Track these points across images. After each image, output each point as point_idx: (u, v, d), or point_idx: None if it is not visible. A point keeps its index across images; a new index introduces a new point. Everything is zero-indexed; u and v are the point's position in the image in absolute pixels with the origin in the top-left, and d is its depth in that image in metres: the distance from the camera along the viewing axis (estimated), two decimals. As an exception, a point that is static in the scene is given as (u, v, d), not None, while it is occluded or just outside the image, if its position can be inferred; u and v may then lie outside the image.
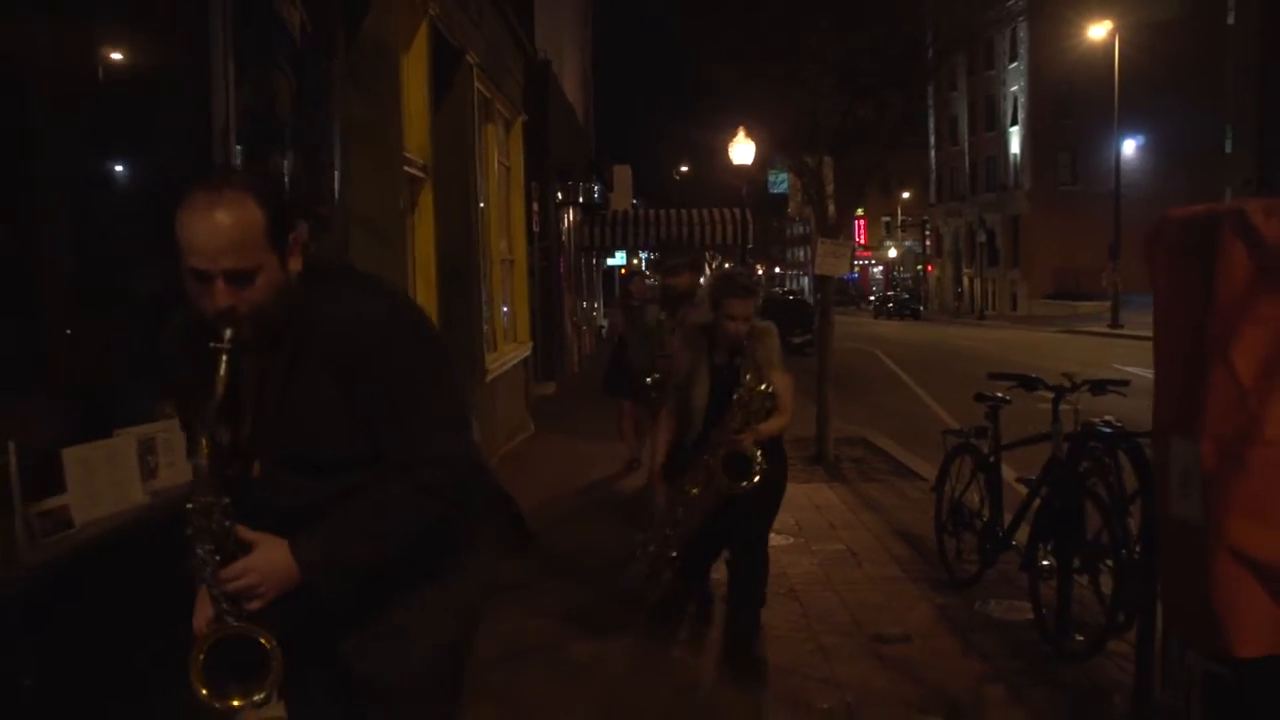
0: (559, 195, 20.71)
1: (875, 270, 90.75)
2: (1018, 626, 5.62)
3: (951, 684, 4.94)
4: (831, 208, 11.33)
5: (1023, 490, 5.92)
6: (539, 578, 6.59)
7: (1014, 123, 60.76)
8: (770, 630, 5.65)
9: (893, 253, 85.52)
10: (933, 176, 73.11)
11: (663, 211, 28.88)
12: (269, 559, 2.23)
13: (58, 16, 4.08)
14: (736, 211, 26.59)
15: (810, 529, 7.95)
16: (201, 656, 2.21)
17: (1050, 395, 5.60)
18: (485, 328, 11.50)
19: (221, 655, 2.22)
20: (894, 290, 71.54)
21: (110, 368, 4.39)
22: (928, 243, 74.25)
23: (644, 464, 8.84)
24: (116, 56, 4.55)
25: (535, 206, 17.04)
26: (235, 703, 2.22)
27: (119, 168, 4.71)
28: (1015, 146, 60.90)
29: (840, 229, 11.23)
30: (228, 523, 2.21)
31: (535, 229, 17.00)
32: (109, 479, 3.87)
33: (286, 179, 5.69)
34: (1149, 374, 3.62)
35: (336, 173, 6.28)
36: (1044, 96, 56.39)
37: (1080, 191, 55.10)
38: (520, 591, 6.20)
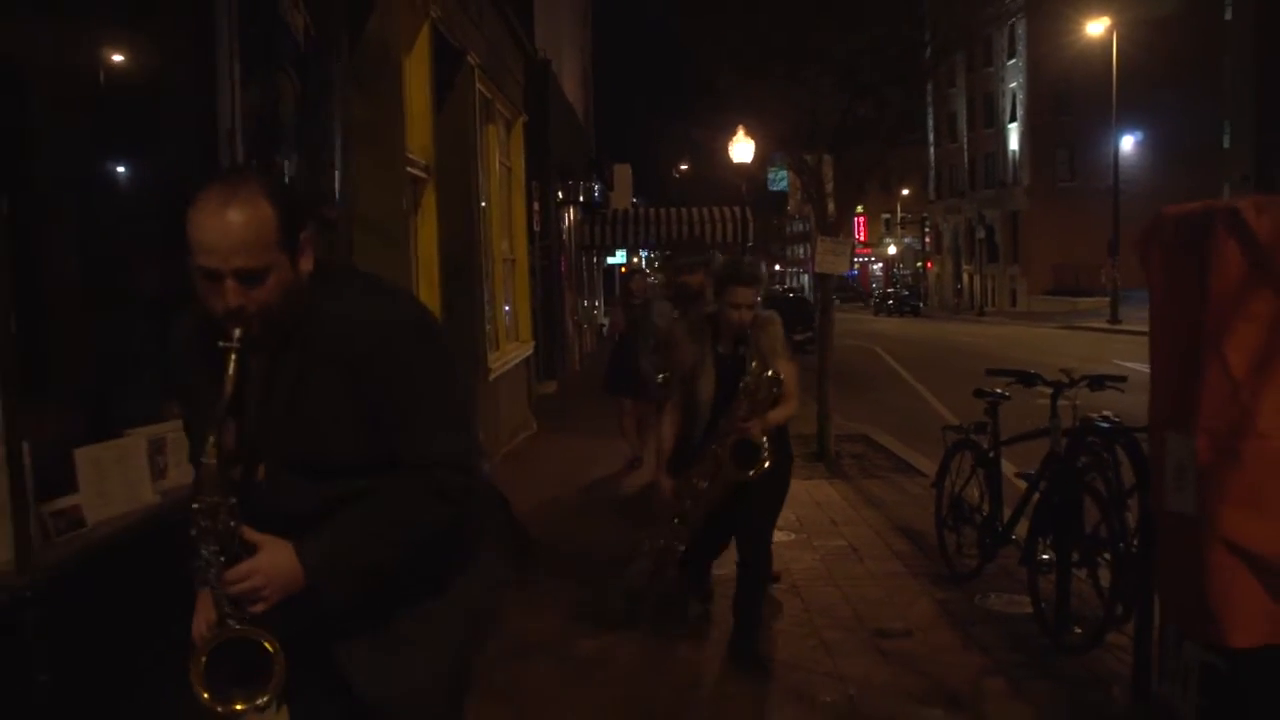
0: (560, 194, 20.75)
1: (875, 267, 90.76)
2: (1018, 620, 5.67)
3: (952, 677, 4.99)
4: (831, 206, 11.36)
5: (1022, 485, 5.97)
6: (542, 575, 6.63)
7: (1013, 119, 60.78)
8: (773, 625, 5.71)
9: (892, 249, 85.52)
10: (932, 173, 73.11)
11: (663, 210, 28.91)
12: (274, 561, 2.20)
13: (64, 19, 4.12)
14: (737, 209, 26.63)
15: (812, 525, 8.00)
16: (204, 659, 2.18)
17: (1049, 391, 5.65)
18: (487, 327, 11.55)
19: (223, 659, 2.18)
20: (894, 287, 71.50)
21: (119, 368, 4.44)
22: (927, 239, 74.26)
23: (646, 462, 8.88)
24: (122, 60, 4.59)
25: (536, 206, 17.08)
26: (238, 706, 2.19)
27: (126, 169, 4.75)
28: (1014, 143, 60.92)
29: (840, 227, 11.26)
30: (233, 524, 2.18)
31: (536, 228, 17.04)
32: (120, 479, 3.92)
33: (290, 180, 5.72)
34: (1147, 369, 3.67)
35: (340, 174, 6.32)
36: (1042, 93, 56.40)
37: (1079, 188, 55.10)
38: (524, 589, 6.25)
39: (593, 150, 30.41)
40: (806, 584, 6.47)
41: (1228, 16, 47.17)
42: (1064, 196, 56.46)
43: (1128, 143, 47.48)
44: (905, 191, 76.15)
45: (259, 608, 2.19)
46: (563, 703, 4.87)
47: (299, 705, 2.51)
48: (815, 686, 4.93)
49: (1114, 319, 36.00)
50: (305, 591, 2.22)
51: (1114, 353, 22.12)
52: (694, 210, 27.79)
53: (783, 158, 20.86)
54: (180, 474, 4.05)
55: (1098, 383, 5.59)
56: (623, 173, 35.16)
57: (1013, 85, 60.08)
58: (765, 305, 5.51)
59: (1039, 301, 53.92)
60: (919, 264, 77.36)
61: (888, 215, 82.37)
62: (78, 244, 4.32)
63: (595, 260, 33.34)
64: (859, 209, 54.26)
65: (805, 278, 74.61)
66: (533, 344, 15.12)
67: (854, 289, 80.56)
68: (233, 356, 2.16)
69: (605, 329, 17.32)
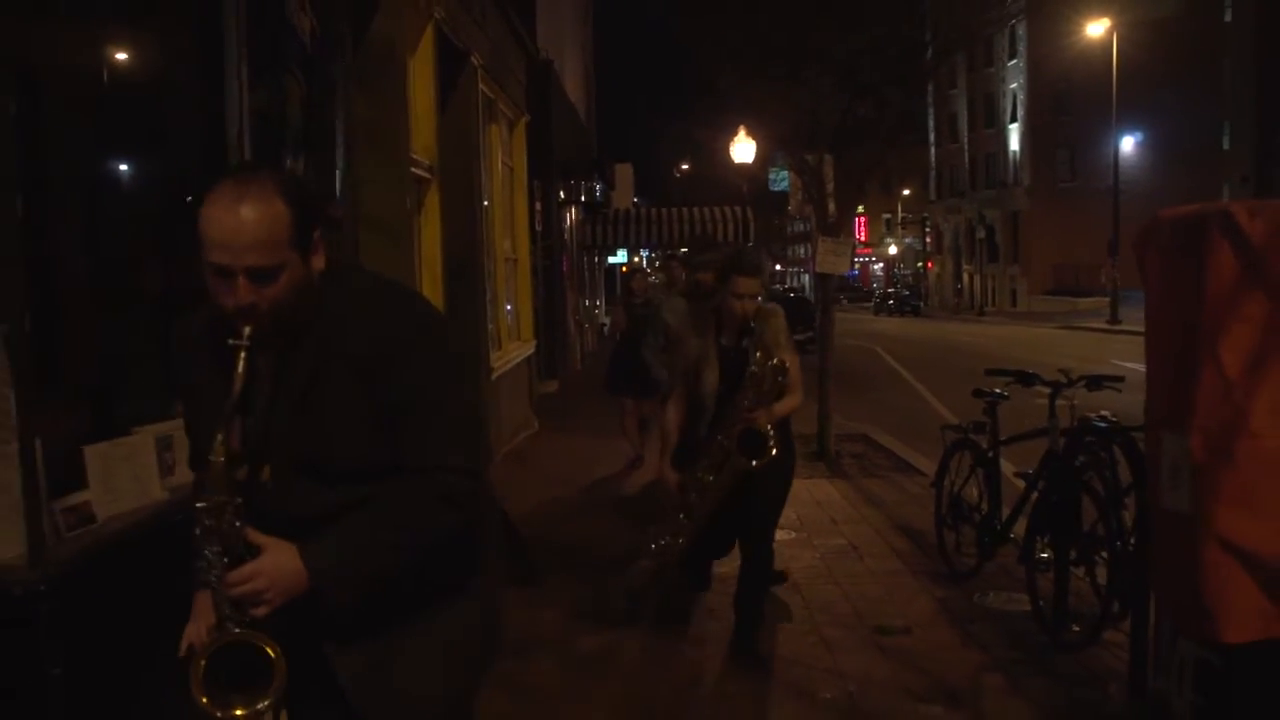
0: (561, 194, 20.79)
1: (876, 267, 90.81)
2: (1016, 617, 5.72)
3: (951, 674, 5.04)
4: (832, 206, 11.40)
5: (1020, 484, 6.02)
6: (548, 573, 6.67)
7: (1013, 120, 60.83)
8: (774, 623, 5.75)
9: (893, 249, 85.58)
10: (933, 173, 73.16)
11: (664, 210, 28.94)
12: (278, 564, 2.14)
13: (73, 22, 4.17)
14: (738, 209, 26.68)
15: (812, 524, 8.05)
16: (203, 663, 2.14)
17: (1047, 391, 5.70)
18: (490, 326, 11.60)
19: (223, 663, 2.13)
20: (894, 287, 71.58)
21: (127, 366, 4.48)
22: (928, 239, 74.30)
23: (648, 461, 8.92)
24: (131, 62, 4.63)
25: (538, 205, 17.13)
26: (238, 711, 2.15)
27: (134, 170, 4.80)
28: (1014, 143, 60.98)
29: (841, 227, 11.31)
30: (238, 524, 2.14)
31: (538, 228, 17.09)
32: (129, 475, 3.96)
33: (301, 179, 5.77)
34: (1145, 369, 3.71)
35: (345, 174, 6.37)
36: (1043, 93, 56.45)
37: (1079, 188, 55.15)
38: (527, 586, 6.28)
39: (594, 150, 30.43)
40: (807, 582, 6.52)
41: (1227, 18, 47.27)
42: (1064, 197, 56.52)
43: (1128, 143, 47.55)
44: (906, 191, 76.21)
45: (261, 611, 2.13)
46: (564, 699, 4.91)
47: (299, 711, 2.45)
48: (815, 683, 4.98)
49: (1114, 319, 36.05)
50: (308, 596, 2.16)
51: (1113, 353, 22.17)
52: (695, 210, 27.81)
53: (784, 158, 20.89)
54: (188, 471, 4.10)
55: (1095, 383, 5.64)
56: (624, 172, 35.19)
57: (1013, 86, 60.14)
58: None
59: (1039, 301, 53.97)
60: (919, 264, 77.39)
61: (888, 215, 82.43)
62: (87, 244, 4.36)
63: (596, 260, 33.37)
64: (860, 209, 54.38)
65: (806, 277, 74.64)
66: (534, 343, 15.18)
67: (861, 289, 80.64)
68: (242, 354, 2.13)
69: (606, 328, 17.35)
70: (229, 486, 2.14)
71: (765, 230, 65.01)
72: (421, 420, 2.24)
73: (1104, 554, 5.16)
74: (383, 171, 7.38)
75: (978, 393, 6.51)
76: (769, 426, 4.98)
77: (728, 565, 5.94)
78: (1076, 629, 5.22)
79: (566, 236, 22.45)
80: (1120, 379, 5.64)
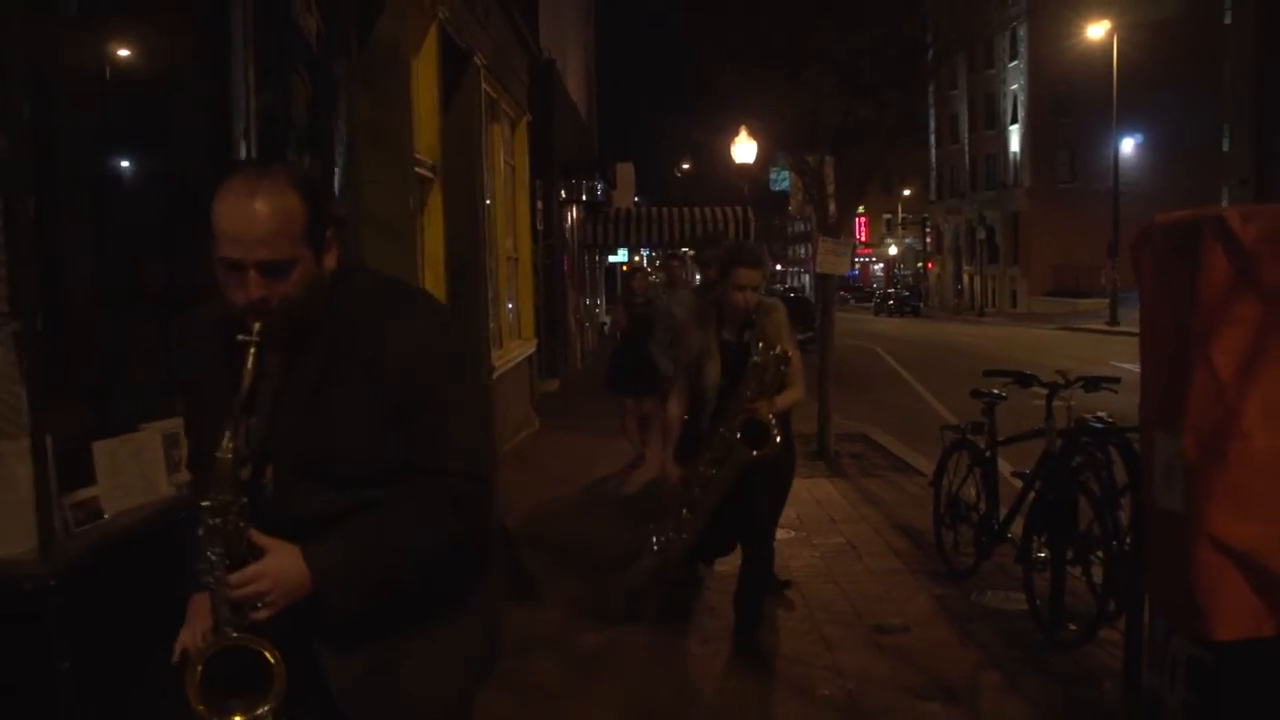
0: (563, 193, 20.83)
1: (876, 267, 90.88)
2: (1013, 616, 5.77)
3: (949, 672, 5.08)
4: (832, 206, 11.45)
5: (1018, 484, 6.07)
6: (547, 571, 6.71)
7: (1014, 121, 60.89)
8: (773, 621, 5.80)
9: (893, 250, 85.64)
10: (933, 174, 73.22)
11: (665, 209, 28.99)
12: (281, 565, 2.08)
13: (81, 24, 4.22)
14: (738, 209, 26.72)
15: (811, 523, 8.10)
16: (200, 668, 2.07)
17: (1044, 392, 5.74)
18: (491, 325, 11.65)
19: (220, 668, 2.07)
20: (894, 287, 71.67)
21: (134, 364, 4.53)
22: (928, 240, 74.38)
23: (649, 460, 8.96)
24: (138, 63, 4.68)
25: (539, 205, 17.17)
26: (236, 718, 2.08)
27: (141, 170, 4.85)
28: (1015, 144, 61.04)
29: (841, 227, 11.35)
30: (242, 525, 2.07)
31: (540, 227, 17.13)
32: (136, 471, 4.01)
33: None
34: (1141, 371, 3.76)
35: (349, 173, 6.42)
36: (1043, 95, 56.54)
37: (1079, 189, 55.20)
38: (526, 601, 6.30)
39: (595, 149, 30.46)
40: (806, 581, 6.56)
41: (1227, 20, 47.32)
42: (1064, 198, 56.57)
43: (1128, 145, 47.58)
44: (906, 192, 76.26)
45: (262, 614, 2.07)
46: (565, 697, 4.94)
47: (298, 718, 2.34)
48: (814, 680, 5.03)
49: (1113, 320, 36.10)
50: (310, 599, 2.10)
51: (1112, 354, 22.21)
52: (696, 210, 27.87)
53: (784, 158, 20.95)
54: (193, 469, 4.14)
55: (1092, 384, 5.69)
56: (625, 171, 35.25)
57: (1014, 87, 60.19)
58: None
59: (1039, 302, 54.02)
60: (920, 264, 77.46)
61: (889, 216, 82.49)
62: (94, 242, 4.41)
63: (597, 259, 33.42)
64: (860, 209, 54.43)
65: (806, 277, 74.71)
66: (535, 342, 15.23)
67: (864, 289, 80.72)
68: (251, 351, 2.08)
69: (607, 327, 17.40)
70: (235, 486, 2.08)
71: (766, 230, 65.10)
72: (431, 423, 2.19)
73: (1100, 553, 5.22)
74: (386, 171, 7.42)
75: (976, 393, 6.55)
76: (771, 416, 4.98)
77: (728, 564, 5.99)
78: (1073, 627, 5.27)
79: (568, 235, 22.50)
80: (1117, 380, 5.68)
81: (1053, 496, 5.47)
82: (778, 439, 4.97)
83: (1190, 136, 51.25)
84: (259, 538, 2.09)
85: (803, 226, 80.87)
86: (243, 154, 4.80)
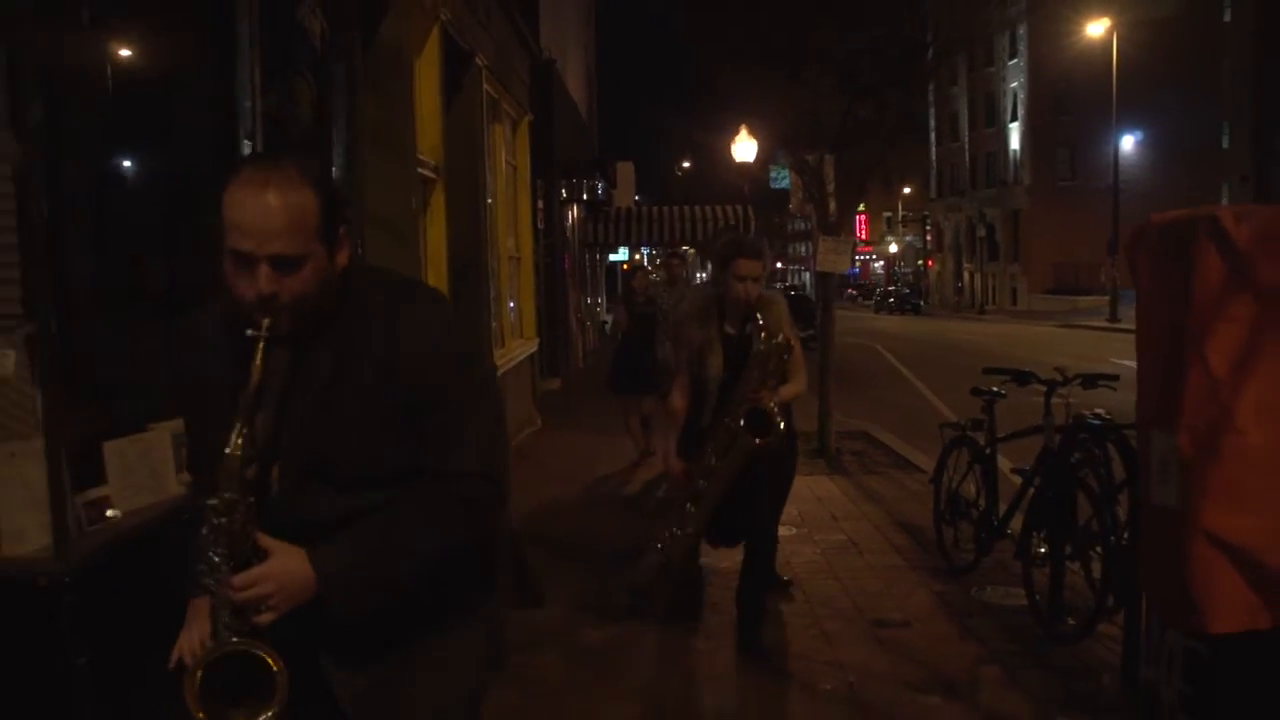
0: (563, 192, 20.87)
1: (876, 265, 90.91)
2: (1012, 611, 5.82)
3: (949, 666, 5.13)
4: (832, 205, 11.49)
5: (1017, 481, 6.13)
6: (551, 568, 6.77)
7: (1014, 119, 60.94)
8: (775, 616, 5.84)
9: (894, 247, 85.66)
10: (933, 172, 73.28)
11: (665, 208, 29.03)
12: (285, 568, 2.02)
13: (90, 27, 4.27)
14: (739, 208, 26.75)
15: (812, 520, 8.15)
16: (200, 674, 2.00)
17: (1043, 389, 5.79)
18: (493, 324, 11.70)
19: (219, 675, 2.00)
20: (894, 285, 71.72)
21: (142, 364, 4.58)
22: (928, 237, 74.43)
23: (658, 452, 9.00)
24: (146, 65, 4.73)
25: (540, 204, 17.22)
26: None
27: (148, 172, 4.90)
28: (1015, 142, 61.08)
29: (841, 226, 11.38)
30: (248, 525, 2.02)
31: (540, 226, 17.17)
32: (145, 471, 4.06)
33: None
34: (1139, 368, 3.81)
35: (353, 174, 6.46)
36: (1043, 93, 56.60)
37: (1079, 187, 55.26)
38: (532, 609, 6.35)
39: (596, 148, 30.51)
40: (807, 577, 6.61)
41: (1227, 18, 47.32)
42: (1064, 195, 56.64)
43: (1128, 142, 47.66)
44: (907, 190, 76.30)
45: (266, 617, 2.01)
46: (569, 692, 4.99)
47: None
48: (816, 675, 5.08)
49: (1113, 318, 36.19)
50: (315, 604, 2.04)
51: (1112, 351, 22.27)
52: (696, 208, 27.91)
53: (785, 156, 20.98)
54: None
55: (1090, 381, 5.73)
56: (625, 170, 35.26)
57: (1014, 85, 60.24)
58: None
59: (1039, 300, 54.06)
60: (920, 262, 77.50)
61: (889, 213, 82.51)
62: (102, 244, 4.46)
63: (598, 257, 33.46)
64: (860, 207, 54.46)
65: (807, 275, 74.78)
66: (537, 341, 15.27)
67: (869, 286, 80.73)
68: (260, 346, 2.01)
69: (608, 326, 17.42)
70: (242, 485, 2.02)
71: (766, 228, 65.12)
72: (444, 424, 2.14)
73: (1098, 549, 5.26)
74: (389, 171, 7.46)
75: (975, 391, 6.60)
76: (774, 405, 4.99)
77: (729, 561, 6.04)
78: (1072, 622, 5.32)
79: (569, 234, 22.54)
80: (1115, 377, 5.73)
81: (1052, 493, 5.52)
82: (781, 425, 4.98)
83: (1190, 134, 51.34)
84: (264, 540, 2.04)
85: (803, 224, 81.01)
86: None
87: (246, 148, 4.86)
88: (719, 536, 5.69)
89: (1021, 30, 54.73)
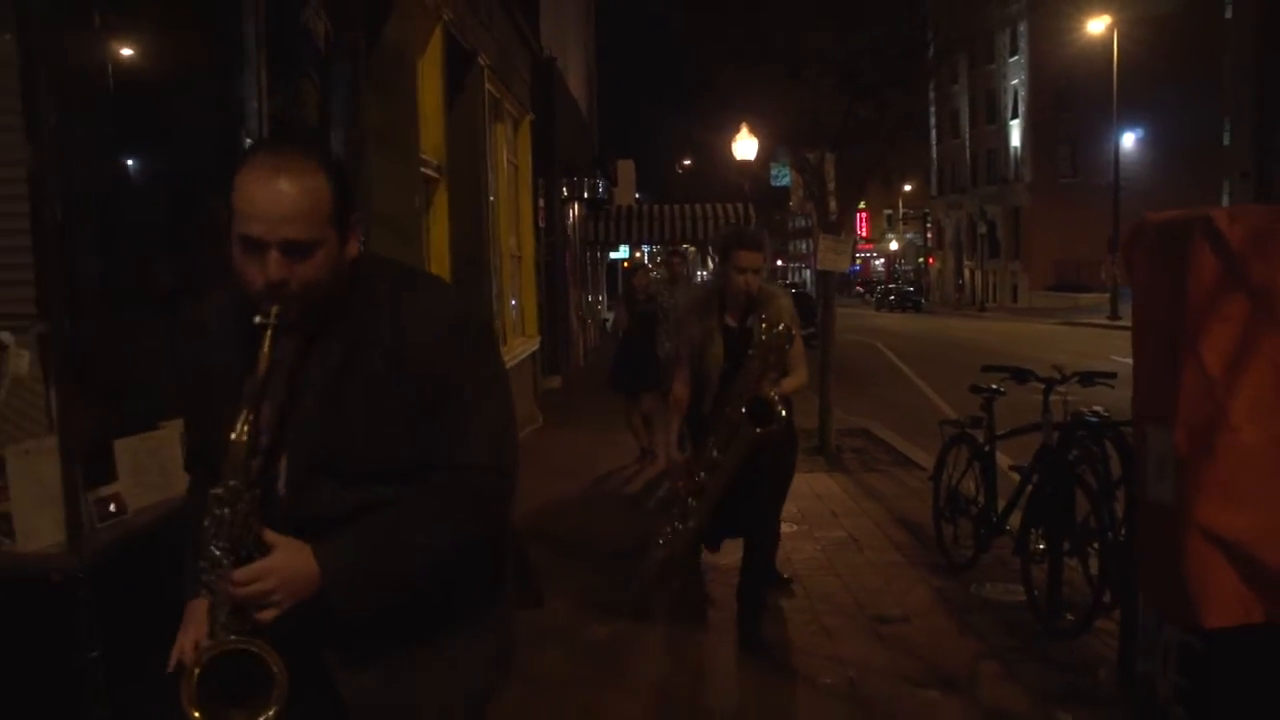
0: (564, 191, 20.91)
1: (877, 263, 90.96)
2: (1011, 607, 5.87)
3: (948, 661, 5.18)
4: (833, 203, 11.53)
5: (1016, 478, 6.16)
6: (554, 565, 6.82)
7: (1014, 116, 60.97)
8: (776, 612, 5.89)
9: (894, 245, 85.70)
10: (934, 169, 73.31)
11: (665, 206, 29.06)
12: (288, 563, 1.95)
13: (97, 30, 4.32)
14: (739, 206, 26.79)
15: (813, 517, 8.20)
16: (197, 673, 1.94)
17: (1041, 387, 5.83)
18: (496, 322, 11.74)
19: (216, 676, 1.94)
20: (895, 282, 71.78)
21: (151, 364, 4.63)
22: (929, 235, 74.51)
23: (658, 449, 9.04)
24: (154, 67, 4.78)
25: (542, 202, 17.26)
26: None
27: (155, 172, 4.95)
28: (1016, 139, 61.12)
29: (842, 225, 11.42)
30: (251, 518, 1.96)
31: (542, 225, 17.22)
32: (155, 468, 4.11)
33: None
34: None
35: (357, 175, 6.51)
36: (1044, 90, 56.63)
37: (1080, 184, 55.30)
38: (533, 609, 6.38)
39: (596, 147, 30.56)
40: (808, 573, 6.66)
41: (1228, 15, 47.31)
42: (1065, 193, 56.67)
43: (1129, 139, 47.69)
44: (907, 187, 76.33)
45: (267, 615, 1.94)
46: (574, 686, 5.04)
47: None
48: (816, 669, 5.13)
49: (1114, 315, 36.20)
50: (320, 602, 1.98)
51: (1112, 348, 22.26)
52: (697, 206, 27.94)
53: (785, 154, 21.01)
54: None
55: (1088, 379, 5.76)
56: (626, 169, 35.32)
57: (1015, 82, 60.26)
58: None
59: (1040, 297, 54.09)
60: (921, 259, 77.55)
61: (890, 211, 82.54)
62: (113, 245, 4.51)
63: (598, 255, 33.50)
64: (861, 205, 54.49)
65: (807, 273, 74.80)
66: (539, 339, 15.32)
67: (873, 284, 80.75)
68: (268, 333, 1.96)
69: (609, 324, 17.46)
70: (247, 472, 1.96)
71: (766, 226, 65.13)
72: (453, 415, 2.09)
73: (1096, 545, 5.30)
74: (393, 171, 7.52)
75: (974, 389, 6.64)
76: (775, 394, 5.00)
77: (729, 558, 6.08)
78: (1070, 617, 5.37)
79: (569, 233, 22.58)
80: (1113, 375, 5.75)
81: (1050, 490, 5.57)
82: (782, 413, 4.99)
83: (1191, 131, 51.36)
84: (268, 534, 1.98)
85: (803, 222, 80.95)
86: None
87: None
88: (719, 531, 5.73)
89: (1022, 27, 54.77)
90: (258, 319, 1.96)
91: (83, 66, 4.14)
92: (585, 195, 23.82)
